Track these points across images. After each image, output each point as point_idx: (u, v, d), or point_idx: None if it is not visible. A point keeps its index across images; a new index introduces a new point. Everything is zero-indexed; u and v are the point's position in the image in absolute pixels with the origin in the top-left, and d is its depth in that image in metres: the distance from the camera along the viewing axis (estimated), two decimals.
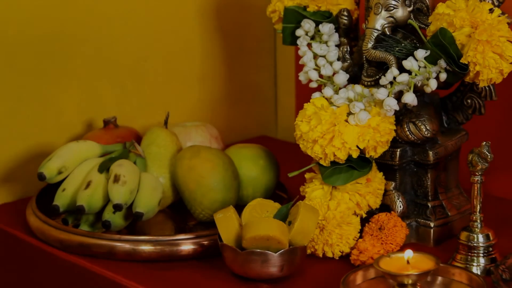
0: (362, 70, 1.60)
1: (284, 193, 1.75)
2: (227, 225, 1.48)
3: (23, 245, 1.64)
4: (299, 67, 1.64)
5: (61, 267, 1.57)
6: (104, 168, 1.61)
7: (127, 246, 1.53)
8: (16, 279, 1.70)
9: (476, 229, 1.47)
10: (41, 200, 1.69)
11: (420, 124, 1.55)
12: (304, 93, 1.76)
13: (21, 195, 1.82)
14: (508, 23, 1.47)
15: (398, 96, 1.50)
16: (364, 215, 1.56)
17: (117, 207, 1.54)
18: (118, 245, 1.53)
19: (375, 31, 1.55)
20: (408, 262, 1.36)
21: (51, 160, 1.63)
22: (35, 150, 1.83)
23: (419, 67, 1.49)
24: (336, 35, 1.64)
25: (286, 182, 1.74)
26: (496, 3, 1.51)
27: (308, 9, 1.67)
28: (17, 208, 1.75)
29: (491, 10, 1.47)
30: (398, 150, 1.58)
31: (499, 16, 1.47)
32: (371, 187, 1.56)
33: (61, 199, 1.59)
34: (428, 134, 1.55)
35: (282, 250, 1.42)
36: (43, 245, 1.60)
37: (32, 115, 1.82)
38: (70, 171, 1.63)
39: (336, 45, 1.64)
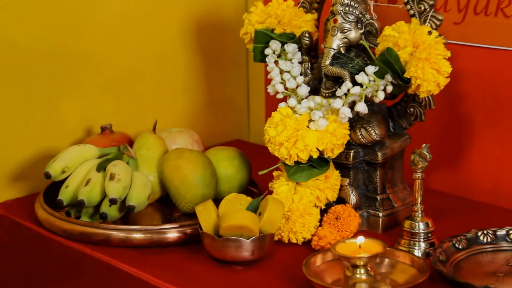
0: (321, 83, 1.61)
1: (255, 188, 1.75)
2: (207, 216, 1.49)
3: (32, 234, 1.64)
4: (268, 81, 1.64)
5: (65, 253, 1.58)
6: (101, 167, 1.61)
7: (121, 234, 1.54)
8: (26, 263, 1.69)
9: (418, 218, 1.49)
10: (47, 195, 1.69)
11: (370, 129, 1.55)
12: (272, 103, 1.78)
13: (30, 191, 1.80)
14: (444, 43, 1.49)
15: (352, 105, 1.51)
16: (323, 207, 1.57)
17: (112, 201, 1.54)
18: (113, 234, 1.54)
19: (332, 50, 1.56)
20: (360, 246, 1.36)
21: (55, 161, 1.63)
22: (42, 152, 1.81)
23: (369, 80, 1.50)
24: (299, 53, 1.64)
25: (257, 179, 1.73)
26: (434, 26, 1.53)
27: (275, 31, 1.66)
28: (27, 202, 1.74)
29: (429, 32, 1.49)
30: (352, 151, 1.58)
31: (436, 37, 1.48)
32: (329, 183, 1.56)
33: (64, 195, 1.59)
34: (377, 138, 1.56)
35: (253, 237, 1.44)
36: (50, 234, 1.60)
37: (39, 123, 1.81)
38: (72, 171, 1.63)
39: (299, 62, 1.63)
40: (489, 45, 1.70)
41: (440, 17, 1.55)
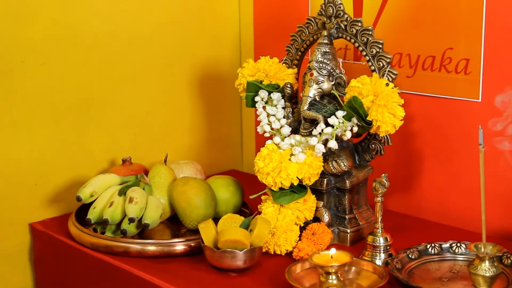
0: (300, 124, 1.60)
1: (247, 209, 1.74)
2: (208, 232, 1.49)
3: (65, 247, 1.64)
4: (257, 122, 1.64)
5: (92, 262, 1.58)
6: (122, 192, 1.61)
7: (138, 247, 1.54)
8: (60, 270, 1.69)
9: (378, 233, 1.49)
10: (78, 215, 1.69)
11: (340, 162, 1.55)
12: (261, 140, 1.75)
13: (65, 211, 1.79)
14: (398, 93, 1.49)
15: (325, 142, 1.52)
16: (302, 224, 1.56)
17: (131, 220, 1.55)
18: (132, 246, 1.54)
19: (309, 98, 1.56)
20: (332, 257, 1.37)
21: (85, 187, 1.64)
22: (74, 179, 1.81)
23: (339, 122, 1.51)
24: (282, 100, 1.64)
25: (248, 202, 1.72)
26: (390, 79, 1.54)
27: (263, 83, 1.66)
28: (62, 220, 1.74)
29: (387, 84, 1.50)
30: (325, 179, 1.58)
31: (392, 88, 1.49)
32: (307, 205, 1.56)
33: (92, 214, 1.60)
34: (346, 169, 1.56)
35: (245, 249, 1.44)
36: (80, 247, 1.60)
37: (73, 156, 1.81)
38: (99, 195, 1.63)
39: (283, 107, 1.63)
40: (434, 94, 1.71)
41: (395, 72, 1.56)
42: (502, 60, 1.59)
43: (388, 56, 1.55)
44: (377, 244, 1.49)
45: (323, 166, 1.56)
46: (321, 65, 1.57)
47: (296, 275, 1.41)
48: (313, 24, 1.65)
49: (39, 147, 1.76)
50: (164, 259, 1.54)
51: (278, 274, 1.44)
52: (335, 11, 1.59)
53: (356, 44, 1.58)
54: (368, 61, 1.58)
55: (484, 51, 1.61)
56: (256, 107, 1.66)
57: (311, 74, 1.57)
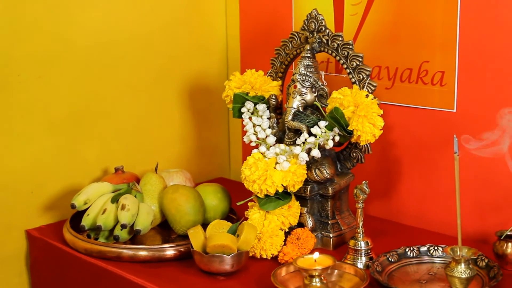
0: (285, 134, 1.60)
1: (234, 215, 1.73)
2: (197, 237, 1.49)
3: (60, 252, 1.63)
4: (244, 132, 1.64)
5: (86, 267, 1.57)
6: (115, 200, 1.61)
7: (130, 252, 1.54)
8: (55, 274, 1.68)
9: (360, 238, 1.49)
10: (73, 221, 1.68)
11: (322, 170, 1.55)
12: (247, 149, 1.76)
13: (60, 218, 1.78)
14: (378, 104, 1.50)
15: (308, 151, 1.52)
16: (287, 230, 1.56)
17: (123, 226, 1.55)
18: (124, 251, 1.54)
19: (293, 109, 1.56)
20: (315, 260, 1.37)
21: (79, 195, 1.63)
22: (69, 188, 1.80)
23: (322, 132, 1.51)
24: (268, 111, 1.64)
25: (235, 208, 1.72)
26: (370, 91, 1.54)
27: (249, 94, 1.65)
28: (56, 227, 1.73)
29: (367, 95, 1.50)
30: (309, 186, 1.58)
31: (372, 99, 1.50)
32: (291, 211, 1.56)
33: (86, 221, 1.59)
34: (328, 176, 1.56)
35: (233, 254, 1.44)
36: (74, 252, 1.59)
37: (67, 165, 1.80)
38: (92, 202, 1.63)
39: (268, 118, 1.63)
40: (412, 105, 1.71)
41: (374, 84, 1.56)
42: (475, 72, 1.60)
43: (368, 69, 1.56)
44: (359, 248, 1.49)
45: (307, 174, 1.56)
46: (304, 77, 1.58)
47: (281, 278, 1.41)
48: (296, 38, 1.65)
49: (35, 156, 1.75)
50: (155, 264, 1.53)
51: (264, 277, 1.44)
52: (317, 26, 1.60)
53: (337, 58, 1.58)
54: (348, 73, 1.58)
55: (458, 64, 1.62)
56: (242, 117, 1.66)
57: (295, 86, 1.58)
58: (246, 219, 1.57)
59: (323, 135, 1.52)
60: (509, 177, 1.57)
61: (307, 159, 1.52)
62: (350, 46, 1.57)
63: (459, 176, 1.35)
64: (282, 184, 1.52)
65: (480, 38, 1.58)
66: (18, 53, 1.68)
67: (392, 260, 1.48)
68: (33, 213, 1.76)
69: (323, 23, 1.59)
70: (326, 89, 1.58)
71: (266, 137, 1.60)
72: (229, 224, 1.56)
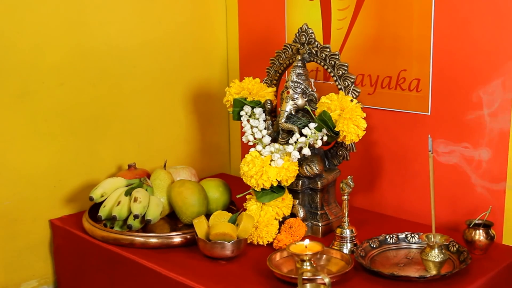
0: (279, 135, 1.60)
1: (234, 207, 1.72)
2: (201, 226, 1.50)
3: (80, 239, 1.63)
4: (242, 133, 1.63)
5: (103, 253, 1.57)
6: (128, 193, 1.61)
7: (141, 239, 1.54)
8: (75, 260, 1.68)
9: (345, 226, 1.49)
10: (91, 212, 1.69)
11: (312, 166, 1.55)
12: (245, 148, 1.74)
13: (79, 209, 1.79)
14: (361, 108, 1.49)
15: (300, 150, 1.52)
16: (280, 219, 1.56)
17: (136, 216, 1.55)
18: (136, 239, 1.54)
19: (286, 112, 1.56)
20: (306, 247, 1.38)
21: (97, 189, 1.64)
22: (87, 182, 1.80)
23: (311, 133, 1.51)
24: (264, 114, 1.64)
25: (235, 200, 1.72)
26: (354, 96, 1.54)
27: (247, 99, 1.65)
28: (77, 217, 1.73)
29: (351, 100, 1.50)
30: (300, 181, 1.58)
31: (356, 103, 1.50)
32: (285, 203, 1.56)
33: (103, 212, 1.59)
34: (317, 172, 1.56)
35: (233, 241, 1.45)
36: (92, 239, 1.60)
37: (86, 162, 1.80)
38: (108, 195, 1.63)
39: (264, 120, 1.63)
40: (391, 108, 1.71)
41: (358, 90, 1.56)
42: (447, 79, 1.60)
43: (352, 77, 1.56)
44: (344, 236, 1.49)
45: (298, 170, 1.56)
46: (296, 84, 1.57)
47: (276, 262, 1.42)
48: (289, 50, 1.65)
49: (58, 155, 1.75)
50: (164, 250, 1.53)
51: (261, 261, 1.45)
52: (307, 38, 1.60)
53: (325, 67, 1.58)
54: (335, 81, 1.58)
55: (432, 72, 1.62)
56: (241, 120, 1.66)
57: (288, 92, 1.57)
58: (245, 210, 1.57)
59: (312, 135, 1.52)
60: (477, 173, 1.58)
61: (299, 157, 1.52)
62: (337, 57, 1.57)
63: (433, 172, 1.35)
64: (276, 179, 1.52)
65: (451, 49, 1.58)
66: (42, 63, 1.68)
67: (374, 246, 1.49)
68: (56, 205, 1.77)
69: (313, 36, 1.59)
70: (315, 95, 1.58)
71: (262, 137, 1.60)
72: (230, 214, 1.56)
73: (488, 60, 1.52)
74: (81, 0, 1.73)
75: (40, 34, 1.67)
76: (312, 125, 1.52)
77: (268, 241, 1.54)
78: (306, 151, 1.51)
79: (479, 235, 1.46)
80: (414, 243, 1.51)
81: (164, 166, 1.78)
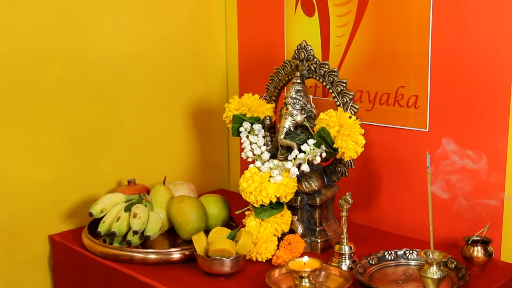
0: (278, 151, 1.59)
1: (233, 223, 1.72)
2: (200, 242, 1.49)
3: (79, 255, 1.63)
4: (242, 149, 1.63)
5: (102, 268, 1.57)
6: (127, 209, 1.61)
7: (141, 255, 1.53)
8: (75, 275, 1.67)
9: (344, 243, 1.48)
10: (90, 228, 1.67)
11: (311, 182, 1.55)
12: (245, 164, 1.74)
13: (79, 225, 1.78)
14: (359, 124, 1.49)
15: (298, 166, 1.52)
16: (279, 236, 1.55)
17: (135, 232, 1.55)
18: (135, 255, 1.53)
19: (285, 128, 1.56)
20: (304, 263, 1.37)
21: (96, 204, 1.63)
22: (87, 198, 1.79)
23: (310, 149, 1.51)
24: (263, 130, 1.63)
25: (234, 216, 1.72)
26: (353, 112, 1.54)
27: (246, 116, 1.65)
28: (76, 232, 1.72)
29: (350, 117, 1.50)
30: (299, 197, 1.57)
31: (354, 120, 1.50)
32: (284, 219, 1.55)
33: (102, 227, 1.59)
34: (316, 188, 1.56)
35: (232, 257, 1.44)
36: (91, 255, 1.59)
37: (86, 178, 1.79)
38: (108, 211, 1.63)
39: (263, 136, 1.62)
40: (390, 125, 1.71)
41: (357, 106, 1.56)
42: (445, 96, 1.60)
43: (351, 93, 1.55)
44: (343, 252, 1.49)
45: (297, 186, 1.56)
46: (295, 100, 1.57)
47: (275, 279, 1.41)
48: (288, 66, 1.65)
49: (58, 170, 1.74)
50: (163, 266, 1.52)
51: (260, 278, 1.44)
52: (306, 55, 1.60)
53: (324, 83, 1.58)
54: (334, 97, 1.57)
55: (430, 89, 1.62)
56: (240, 136, 1.65)
57: (287, 108, 1.57)
58: (244, 226, 1.56)
59: (311, 151, 1.51)
60: (475, 189, 1.56)
61: (298, 173, 1.52)
62: (335, 73, 1.56)
63: (431, 188, 1.35)
64: (275, 195, 1.52)
65: (449, 66, 1.58)
66: (43, 79, 1.68)
67: (373, 263, 1.48)
68: (56, 220, 1.75)
69: (312, 53, 1.59)
70: (314, 111, 1.58)
71: (261, 153, 1.59)
72: (229, 230, 1.55)
73: (485, 78, 1.53)
74: (82, 18, 1.74)
75: (41, 50, 1.67)
76: (311, 141, 1.52)
77: (267, 258, 1.53)
78: (305, 168, 1.51)
79: (478, 252, 1.45)
80: (412, 260, 1.50)
81: (164, 182, 1.78)
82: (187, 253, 1.53)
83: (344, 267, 1.47)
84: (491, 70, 1.51)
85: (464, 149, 1.55)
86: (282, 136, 1.56)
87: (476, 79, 1.54)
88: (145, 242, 1.61)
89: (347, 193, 1.48)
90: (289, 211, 1.58)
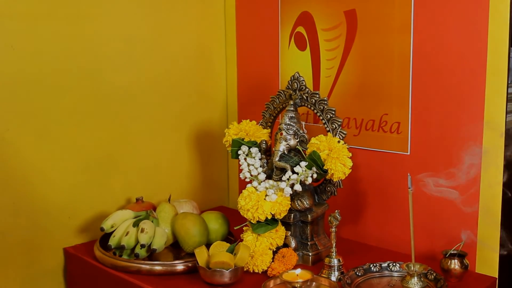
0: (273, 172, 1.59)
1: (232, 237, 1.70)
2: (202, 255, 1.49)
3: (91, 267, 1.62)
4: (240, 170, 1.61)
5: (112, 279, 1.56)
6: (135, 224, 1.60)
7: (147, 267, 1.52)
8: (87, 285, 1.65)
9: (333, 256, 1.48)
10: (102, 241, 1.67)
11: (303, 201, 1.55)
12: (243, 184, 1.70)
13: (91, 238, 1.77)
14: (347, 148, 1.49)
15: (292, 186, 1.51)
16: (274, 249, 1.55)
17: (142, 246, 1.55)
18: (143, 266, 1.53)
19: (279, 151, 1.56)
20: (297, 275, 1.37)
21: (107, 220, 1.63)
22: (99, 214, 1.79)
23: (302, 171, 1.50)
24: (259, 153, 1.62)
25: (233, 231, 1.71)
26: (341, 137, 1.53)
27: (244, 140, 1.64)
28: (88, 246, 1.72)
29: (339, 141, 1.50)
30: (292, 214, 1.57)
31: (343, 144, 1.50)
32: (278, 234, 1.55)
33: (112, 241, 1.58)
34: (308, 206, 1.55)
35: (231, 269, 1.43)
36: (102, 266, 1.58)
37: (97, 196, 1.78)
38: (118, 226, 1.62)
39: (259, 159, 1.61)
40: (374, 148, 1.71)
41: (345, 132, 1.56)
42: (425, 123, 1.60)
43: (339, 120, 1.56)
44: (332, 264, 1.49)
45: (291, 204, 1.56)
46: (288, 126, 1.57)
47: None
48: (282, 95, 1.65)
49: (72, 189, 1.74)
50: (168, 277, 1.52)
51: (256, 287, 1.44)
52: (299, 85, 1.60)
53: (315, 111, 1.59)
54: (324, 123, 1.58)
55: (411, 116, 1.62)
56: (239, 158, 1.64)
57: (281, 134, 1.57)
58: (242, 240, 1.56)
59: (303, 173, 1.51)
60: (452, 207, 1.58)
61: (291, 192, 1.52)
62: (325, 102, 1.57)
63: (412, 206, 1.34)
64: (270, 212, 1.52)
65: (428, 96, 1.59)
66: (61, 105, 1.69)
67: (359, 274, 1.48)
68: (70, 235, 1.75)
69: (304, 83, 1.60)
70: (306, 136, 1.58)
71: (258, 174, 1.59)
72: (228, 244, 1.55)
73: (463, 105, 1.53)
74: (97, 51, 1.75)
75: (61, 79, 1.68)
76: (303, 163, 1.51)
77: (263, 269, 1.52)
78: (298, 187, 1.51)
79: (455, 264, 1.46)
80: (395, 271, 1.50)
81: (169, 199, 1.78)
82: (190, 265, 1.53)
83: (334, 278, 1.47)
84: (468, 98, 1.51)
85: (440, 173, 1.56)
86: (277, 159, 1.56)
87: (454, 107, 1.54)
88: (152, 254, 1.60)
89: (336, 210, 1.48)
90: (283, 227, 1.57)
